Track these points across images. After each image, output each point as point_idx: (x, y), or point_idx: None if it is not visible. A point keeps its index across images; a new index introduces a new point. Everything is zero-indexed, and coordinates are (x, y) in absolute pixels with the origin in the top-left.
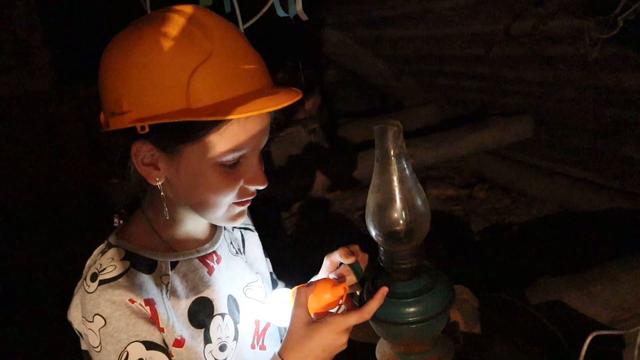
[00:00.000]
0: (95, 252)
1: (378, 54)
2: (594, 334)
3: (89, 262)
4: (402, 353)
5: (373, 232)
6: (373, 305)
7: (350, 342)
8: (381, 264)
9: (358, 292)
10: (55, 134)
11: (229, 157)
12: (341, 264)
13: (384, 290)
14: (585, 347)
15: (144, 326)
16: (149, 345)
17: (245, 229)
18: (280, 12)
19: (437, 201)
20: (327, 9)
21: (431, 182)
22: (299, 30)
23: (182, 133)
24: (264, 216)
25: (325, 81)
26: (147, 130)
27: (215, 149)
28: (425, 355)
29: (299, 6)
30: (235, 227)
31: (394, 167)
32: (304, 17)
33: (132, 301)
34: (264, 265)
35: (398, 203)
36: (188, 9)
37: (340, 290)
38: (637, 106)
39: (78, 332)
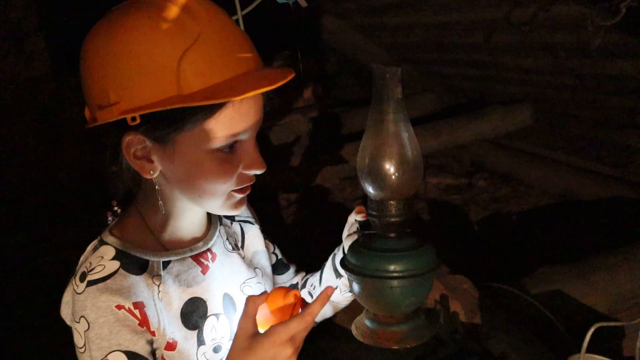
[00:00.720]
0: (88, 248)
1: (377, 42)
2: (597, 325)
3: (81, 258)
4: (371, 319)
5: (364, 180)
6: (315, 307)
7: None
8: (371, 218)
9: None
10: (53, 119)
11: (226, 142)
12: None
13: (329, 290)
14: (587, 339)
15: (127, 335)
16: (131, 356)
17: (246, 222)
18: None
19: (437, 190)
20: None
21: (430, 171)
22: (297, 17)
23: (175, 121)
24: (262, 205)
25: (324, 69)
26: (138, 121)
27: (211, 135)
28: (393, 327)
29: None
30: (234, 221)
31: (389, 111)
32: (303, 3)
33: (119, 307)
34: (265, 259)
35: (390, 148)
36: None
37: (291, 298)
38: (637, 94)
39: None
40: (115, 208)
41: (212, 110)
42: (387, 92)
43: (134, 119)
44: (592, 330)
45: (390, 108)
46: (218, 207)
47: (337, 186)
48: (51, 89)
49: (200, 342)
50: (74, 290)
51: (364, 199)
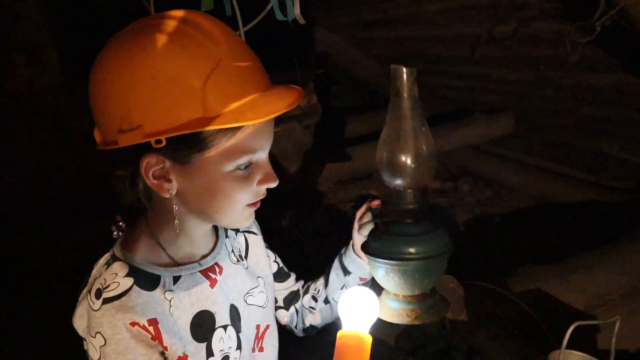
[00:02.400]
0: (101, 261)
1: (369, 54)
2: (576, 324)
3: (94, 272)
4: (392, 299)
5: (384, 171)
6: None
7: None
8: (390, 206)
9: None
10: (65, 126)
11: (244, 160)
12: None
13: None
14: (567, 336)
15: (142, 350)
16: None
17: (249, 232)
18: (279, 16)
19: None
20: (320, 11)
21: None
22: (293, 30)
23: (197, 142)
24: (260, 208)
25: (318, 79)
26: (163, 143)
27: (231, 154)
28: (413, 305)
29: (297, 10)
30: (239, 232)
31: (407, 108)
32: (301, 20)
33: (134, 324)
34: (267, 267)
35: (408, 142)
36: (183, 14)
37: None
38: (611, 105)
39: (82, 337)
40: (120, 223)
41: (234, 130)
42: (405, 90)
43: (158, 141)
44: (571, 328)
45: (408, 105)
46: (232, 221)
47: (331, 189)
48: (64, 97)
49: (209, 353)
50: (90, 306)
51: (357, 201)
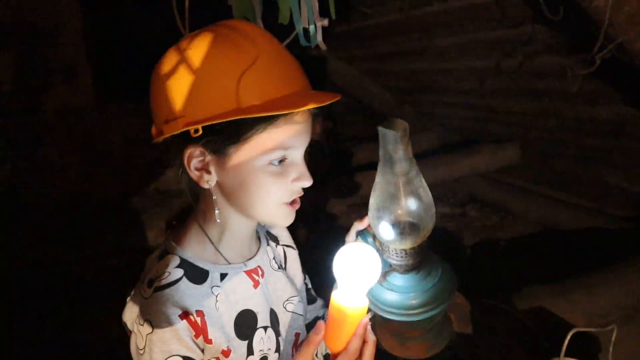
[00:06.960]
0: (154, 255)
1: (383, 85)
2: (575, 330)
3: (147, 266)
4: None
5: (376, 231)
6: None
7: None
8: (389, 260)
9: None
10: (94, 144)
11: (277, 155)
12: (357, 236)
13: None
14: (566, 342)
15: (187, 344)
16: None
17: (288, 246)
18: (303, 42)
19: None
20: (338, 44)
21: None
22: (312, 62)
23: (232, 134)
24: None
25: (334, 108)
26: (200, 132)
27: (264, 148)
28: (418, 340)
29: (319, 38)
30: (278, 244)
31: (399, 170)
32: (323, 47)
33: (182, 316)
34: (301, 283)
35: (402, 204)
36: (233, 22)
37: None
38: (613, 136)
39: (130, 330)
40: (175, 223)
41: (266, 124)
42: (400, 154)
43: (196, 130)
44: (570, 334)
45: (400, 167)
46: (268, 218)
47: (343, 212)
48: (95, 117)
49: (250, 352)
50: (141, 294)
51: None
